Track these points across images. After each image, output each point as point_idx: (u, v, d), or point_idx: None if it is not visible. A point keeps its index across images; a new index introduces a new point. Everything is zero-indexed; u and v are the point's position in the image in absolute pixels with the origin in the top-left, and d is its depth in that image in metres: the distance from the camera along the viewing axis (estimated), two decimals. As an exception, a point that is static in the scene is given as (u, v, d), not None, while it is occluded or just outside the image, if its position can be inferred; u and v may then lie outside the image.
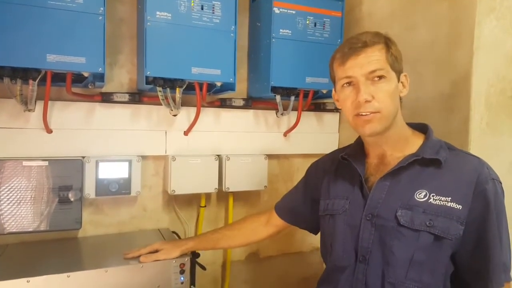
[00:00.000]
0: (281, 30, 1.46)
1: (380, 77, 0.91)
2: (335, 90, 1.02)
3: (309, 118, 1.73)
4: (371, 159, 1.03)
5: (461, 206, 0.88)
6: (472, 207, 0.88)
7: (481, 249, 0.88)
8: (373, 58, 0.91)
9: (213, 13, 1.32)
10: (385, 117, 0.92)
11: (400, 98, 0.98)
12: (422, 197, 0.91)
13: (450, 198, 0.89)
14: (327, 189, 1.09)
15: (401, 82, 0.97)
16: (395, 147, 0.98)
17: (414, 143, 0.98)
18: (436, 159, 0.93)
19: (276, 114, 1.66)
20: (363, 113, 0.92)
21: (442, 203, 0.89)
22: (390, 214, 0.92)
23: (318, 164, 1.21)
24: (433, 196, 0.90)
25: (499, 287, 0.87)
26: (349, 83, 0.94)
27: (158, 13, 1.25)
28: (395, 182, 0.95)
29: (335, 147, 1.79)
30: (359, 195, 0.99)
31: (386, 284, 0.90)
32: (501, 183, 0.92)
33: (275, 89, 1.50)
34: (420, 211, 0.89)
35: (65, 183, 1.28)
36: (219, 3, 1.32)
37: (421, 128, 1.02)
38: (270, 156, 1.65)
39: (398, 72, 0.95)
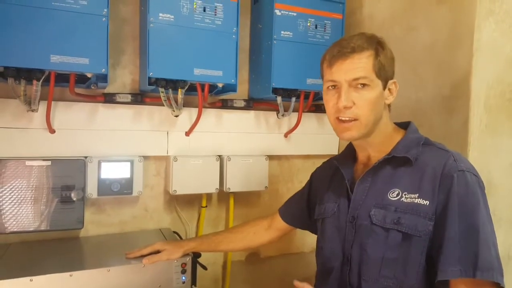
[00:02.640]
0: (282, 32, 1.47)
1: (364, 84, 0.91)
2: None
3: (309, 119, 1.74)
4: (360, 163, 1.05)
5: (428, 202, 0.88)
6: (438, 201, 0.87)
7: (441, 243, 0.84)
8: (358, 65, 0.91)
9: (215, 15, 1.33)
10: (363, 125, 0.93)
11: (389, 105, 0.99)
12: (395, 196, 0.92)
13: (417, 195, 0.89)
14: (322, 194, 1.12)
15: (389, 89, 0.96)
16: (379, 150, 0.99)
17: (395, 143, 0.98)
18: (406, 157, 0.93)
19: (277, 115, 1.67)
20: (343, 118, 0.93)
21: (411, 200, 0.90)
22: (366, 213, 0.94)
23: (320, 169, 1.24)
24: (405, 194, 0.91)
25: (445, 278, 0.82)
26: (333, 86, 0.95)
27: (161, 14, 1.26)
28: (374, 183, 0.97)
29: (335, 149, 1.80)
30: (345, 198, 1.02)
31: (362, 282, 0.92)
32: (475, 175, 0.88)
33: (276, 90, 1.51)
34: (392, 210, 0.91)
35: (67, 183, 1.29)
36: (221, 5, 1.33)
37: (406, 126, 1.02)
38: (271, 157, 1.66)
39: (385, 80, 0.94)
